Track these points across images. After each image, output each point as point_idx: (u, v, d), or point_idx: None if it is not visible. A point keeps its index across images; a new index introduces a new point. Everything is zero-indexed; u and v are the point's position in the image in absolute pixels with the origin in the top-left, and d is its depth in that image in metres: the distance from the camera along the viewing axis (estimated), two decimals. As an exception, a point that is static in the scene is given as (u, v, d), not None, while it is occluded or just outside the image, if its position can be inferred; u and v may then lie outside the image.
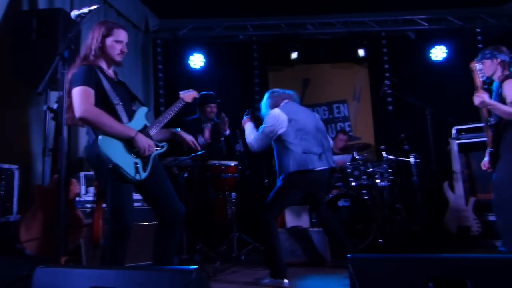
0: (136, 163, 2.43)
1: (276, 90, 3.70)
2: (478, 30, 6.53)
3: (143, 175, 2.46)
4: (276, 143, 3.49)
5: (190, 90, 3.05)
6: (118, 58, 2.57)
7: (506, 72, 3.25)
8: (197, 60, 6.46)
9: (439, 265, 1.58)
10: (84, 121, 2.36)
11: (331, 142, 3.76)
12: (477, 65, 3.27)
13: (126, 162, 2.39)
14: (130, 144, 2.42)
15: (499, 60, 3.25)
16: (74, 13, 2.35)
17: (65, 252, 2.75)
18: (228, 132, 4.60)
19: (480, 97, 3.10)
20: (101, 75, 2.46)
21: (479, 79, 3.22)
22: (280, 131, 3.37)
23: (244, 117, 3.70)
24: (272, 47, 6.62)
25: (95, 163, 2.43)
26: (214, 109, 4.85)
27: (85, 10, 2.32)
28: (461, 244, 4.63)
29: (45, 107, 3.01)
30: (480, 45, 6.52)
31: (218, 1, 5.95)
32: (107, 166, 2.32)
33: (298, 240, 4.15)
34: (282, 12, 6.45)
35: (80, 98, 2.33)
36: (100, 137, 2.34)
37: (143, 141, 2.43)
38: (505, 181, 3.17)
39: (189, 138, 2.84)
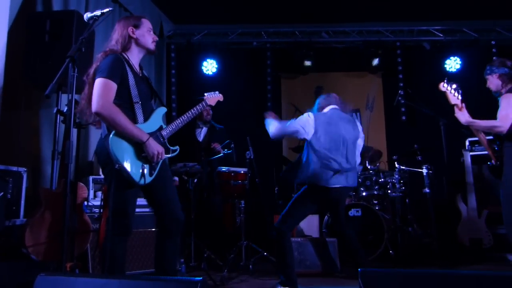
0: (143, 167, 2.39)
1: (331, 95, 3.61)
2: (493, 42, 6.48)
3: (148, 179, 2.41)
4: (306, 147, 3.41)
5: (216, 92, 2.96)
6: (153, 46, 2.58)
7: (509, 86, 3.27)
8: (210, 66, 6.48)
9: (450, 282, 1.54)
10: (99, 116, 2.32)
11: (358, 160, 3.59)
12: (444, 85, 3.33)
13: (133, 165, 2.35)
14: (140, 148, 2.38)
15: (497, 74, 3.32)
16: (87, 15, 2.35)
17: (71, 258, 2.73)
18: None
19: (463, 116, 3.22)
20: (128, 68, 2.43)
21: (452, 98, 3.29)
22: (302, 137, 3.35)
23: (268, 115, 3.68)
24: (286, 54, 6.62)
25: (104, 160, 2.39)
26: (211, 111, 4.87)
27: (97, 12, 2.31)
28: (472, 257, 4.52)
29: (54, 110, 3.00)
30: (494, 58, 6.42)
31: (233, 7, 5.96)
32: (114, 166, 2.29)
33: (307, 249, 4.08)
34: (296, 19, 6.44)
35: (100, 91, 2.29)
36: (111, 135, 2.30)
37: (154, 148, 2.39)
38: (507, 195, 3.20)
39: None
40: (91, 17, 2.33)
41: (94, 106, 2.28)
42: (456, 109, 3.29)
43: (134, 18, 2.58)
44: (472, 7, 5.97)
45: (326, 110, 3.50)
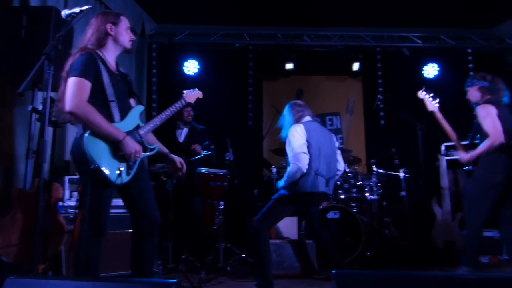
0: (120, 167, 2.35)
1: (299, 103, 3.67)
2: (469, 50, 6.66)
3: (125, 179, 2.37)
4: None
5: (195, 89, 2.92)
6: (129, 45, 2.56)
7: (486, 97, 3.53)
8: (191, 66, 6.43)
9: (423, 283, 1.57)
10: (72, 115, 2.27)
11: (342, 165, 3.69)
12: (422, 93, 3.71)
13: (109, 165, 2.31)
14: (116, 147, 2.34)
15: (477, 87, 3.60)
16: (64, 12, 2.30)
17: (44, 259, 2.67)
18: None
19: (465, 155, 3.52)
20: (102, 67, 2.38)
21: (430, 105, 3.68)
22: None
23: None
24: (268, 56, 6.63)
25: (79, 160, 2.34)
26: (191, 112, 4.86)
27: (76, 10, 2.27)
28: (446, 259, 4.62)
29: (29, 108, 2.93)
30: (470, 65, 6.62)
31: (216, 8, 5.95)
32: (89, 167, 2.25)
33: (286, 251, 4.09)
34: (279, 22, 6.47)
35: (74, 90, 2.25)
36: (86, 135, 2.25)
37: (130, 146, 2.34)
38: (469, 196, 3.55)
39: (177, 159, 2.74)
40: (69, 14, 2.28)
41: (68, 106, 2.24)
42: (460, 153, 3.58)
43: (113, 15, 2.54)
44: (449, 16, 6.12)
45: (305, 120, 3.55)
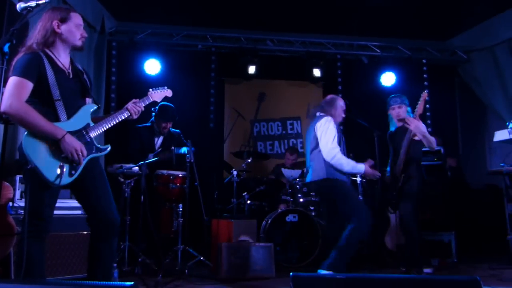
0: (61, 167, 2.25)
1: (324, 101, 4.28)
2: (424, 61, 6.96)
3: (66, 180, 2.27)
4: None
5: (164, 88, 2.83)
6: (80, 43, 2.45)
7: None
8: (152, 66, 6.30)
9: (374, 285, 1.66)
10: (6, 115, 2.19)
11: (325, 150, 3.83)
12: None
13: (48, 165, 2.22)
14: (58, 146, 2.25)
15: (406, 107, 4.33)
16: (20, 5, 2.21)
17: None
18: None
19: (416, 126, 4.04)
20: (47, 66, 2.29)
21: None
22: None
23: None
24: (230, 59, 6.63)
25: (21, 160, 2.27)
26: (169, 125, 4.81)
27: (32, 3, 2.18)
28: (399, 262, 4.78)
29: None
30: (425, 75, 6.92)
31: (178, 8, 5.89)
32: (27, 167, 2.18)
33: (243, 254, 4.09)
34: (243, 25, 6.51)
35: (11, 90, 2.17)
36: (24, 135, 2.19)
37: (70, 145, 2.25)
38: (404, 206, 4.13)
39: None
40: (25, 8, 2.19)
41: (2, 106, 2.16)
42: (416, 120, 4.05)
43: (62, 10, 2.43)
44: (406, 27, 6.39)
45: None
